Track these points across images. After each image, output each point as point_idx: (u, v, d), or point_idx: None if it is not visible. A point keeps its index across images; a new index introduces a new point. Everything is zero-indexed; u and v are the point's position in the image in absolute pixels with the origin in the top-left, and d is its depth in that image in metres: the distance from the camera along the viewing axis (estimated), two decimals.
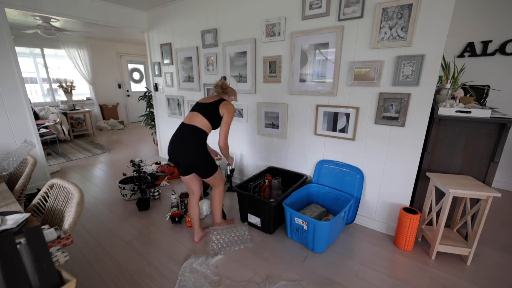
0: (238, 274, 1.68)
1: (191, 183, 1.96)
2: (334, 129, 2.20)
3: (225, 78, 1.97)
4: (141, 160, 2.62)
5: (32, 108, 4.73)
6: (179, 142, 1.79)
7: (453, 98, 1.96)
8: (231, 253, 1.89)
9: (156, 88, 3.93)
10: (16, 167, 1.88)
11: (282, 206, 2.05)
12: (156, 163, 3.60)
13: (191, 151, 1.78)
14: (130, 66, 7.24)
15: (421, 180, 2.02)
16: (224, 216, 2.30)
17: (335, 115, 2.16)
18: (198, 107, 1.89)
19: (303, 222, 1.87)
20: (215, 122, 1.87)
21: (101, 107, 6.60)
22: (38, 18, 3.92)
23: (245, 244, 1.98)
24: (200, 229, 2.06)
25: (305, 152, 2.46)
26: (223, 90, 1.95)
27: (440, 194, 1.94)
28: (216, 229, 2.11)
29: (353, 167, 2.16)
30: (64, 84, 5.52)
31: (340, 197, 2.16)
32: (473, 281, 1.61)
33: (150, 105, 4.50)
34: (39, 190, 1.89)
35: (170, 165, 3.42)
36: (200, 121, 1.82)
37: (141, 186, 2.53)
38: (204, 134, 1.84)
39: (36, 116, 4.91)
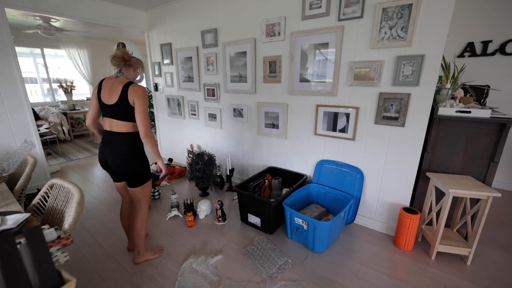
0: (238, 274, 1.68)
1: (122, 189, 1.74)
2: (334, 129, 2.20)
3: (123, 45, 1.53)
4: None
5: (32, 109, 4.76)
6: (108, 151, 1.54)
7: (453, 98, 1.96)
8: (231, 253, 1.88)
9: (156, 88, 3.93)
10: (17, 168, 1.88)
11: (282, 206, 2.05)
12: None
13: (122, 156, 1.52)
14: None
15: (421, 180, 2.02)
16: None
17: (335, 115, 2.16)
18: (105, 110, 1.51)
19: (303, 222, 1.87)
20: (132, 115, 1.49)
21: None
22: (38, 18, 3.92)
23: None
24: (144, 249, 1.76)
25: (305, 152, 2.46)
26: (126, 63, 1.52)
27: (440, 194, 1.94)
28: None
29: (353, 167, 2.16)
30: (64, 84, 5.52)
31: (340, 197, 2.16)
32: (473, 281, 1.61)
33: (150, 105, 4.50)
34: (39, 190, 1.89)
35: (170, 165, 3.42)
36: (120, 126, 1.50)
37: None
38: (135, 135, 1.53)
39: (37, 117, 4.91)
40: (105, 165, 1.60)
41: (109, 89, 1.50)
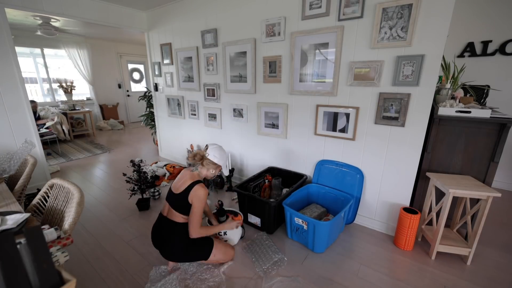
0: (238, 274, 1.68)
1: None
2: (334, 129, 2.20)
3: (206, 146, 1.70)
4: (141, 160, 2.62)
5: (36, 112, 4.76)
6: (160, 236, 1.64)
7: (453, 98, 1.96)
8: None
9: (156, 88, 3.93)
10: (17, 168, 1.88)
11: (282, 206, 2.05)
12: (156, 163, 3.60)
13: (172, 249, 1.61)
14: (130, 66, 7.24)
15: (421, 180, 2.02)
16: None
17: (335, 115, 2.16)
18: (170, 197, 1.66)
19: (303, 222, 1.87)
20: (183, 206, 1.61)
21: (101, 107, 6.60)
22: (38, 18, 3.93)
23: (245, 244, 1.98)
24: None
25: (305, 152, 2.46)
26: (197, 161, 1.66)
27: (440, 194, 1.94)
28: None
29: (353, 167, 2.16)
30: (64, 84, 5.52)
31: (340, 197, 2.16)
32: (473, 281, 1.61)
33: (150, 105, 4.50)
34: (39, 190, 1.89)
35: (174, 167, 3.42)
36: (176, 216, 1.61)
37: (141, 186, 2.53)
38: (186, 226, 1.62)
39: (39, 117, 4.91)
40: (156, 246, 1.69)
41: (181, 179, 1.65)
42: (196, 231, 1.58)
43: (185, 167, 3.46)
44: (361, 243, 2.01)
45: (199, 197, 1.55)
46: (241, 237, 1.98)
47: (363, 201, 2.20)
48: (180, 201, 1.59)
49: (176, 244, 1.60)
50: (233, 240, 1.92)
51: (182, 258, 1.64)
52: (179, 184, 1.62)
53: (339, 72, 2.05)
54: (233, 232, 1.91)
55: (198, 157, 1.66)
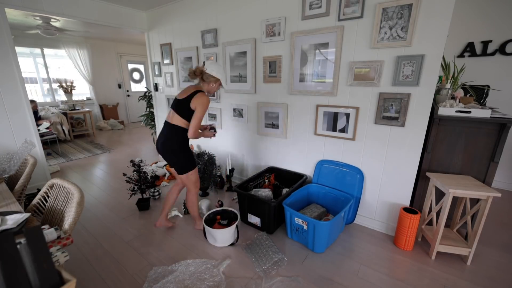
0: (239, 274, 1.68)
1: (175, 173, 2.03)
2: (334, 129, 2.20)
3: (204, 62, 1.85)
4: (141, 160, 2.62)
5: (37, 112, 4.76)
6: (162, 138, 1.88)
7: (453, 98, 1.96)
8: (229, 252, 1.89)
9: (156, 88, 3.93)
10: (17, 169, 1.88)
11: (282, 206, 2.05)
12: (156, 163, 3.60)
13: (169, 145, 1.85)
14: (130, 66, 7.24)
15: (421, 180, 2.02)
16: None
17: (335, 115, 2.16)
18: (174, 103, 1.87)
19: (303, 222, 1.88)
20: (187, 112, 1.80)
21: (101, 107, 6.60)
22: (38, 18, 3.92)
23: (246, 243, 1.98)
24: (166, 218, 2.16)
25: (305, 152, 2.46)
26: (197, 76, 1.82)
27: (440, 194, 1.94)
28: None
29: (353, 167, 2.16)
30: (64, 84, 5.52)
31: (340, 197, 2.16)
32: (473, 281, 1.61)
33: (150, 105, 4.50)
34: (39, 190, 1.89)
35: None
36: (177, 120, 1.81)
37: (141, 186, 2.53)
38: (185, 131, 1.83)
39: (39, 117, 4.91)
40: (158, 148, 1.92)
41: (185, 89, 1.86)
42: (194, 132, 1.78)
43: None
44: (361, 243, 2.01)
45: (202, 103, 1.75)
46: (232, 244, 1.97)
47: (363, 201, 2.20)
48: (183, 106, 1.79)
49: (174, 143, 1.84)
50: (221, 241, 1.95)
51: (172, 158, 1.88)
52: (184, 92, 1.84)
53: (339, 72, 2.05)
54: (222, 237, 1.91)
55: (197, 72, 1.81)
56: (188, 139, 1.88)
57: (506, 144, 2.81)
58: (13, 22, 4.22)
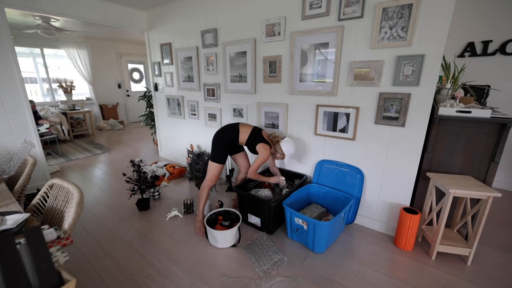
0: (239, 274, 1.68)
1: (235, 160, 2.39)
2: (334, 129, 2.19)
3: (283, 138, 2.15)
4: (141, 160, 2.62)
5: (37, 112, 4.76)
6: (225, 128, 2.19)
7: (453, 98, 1.96)
8: (229, 252, 1.88)
9: (156, 88, 3.93)
10: (17, 169, 1.87)
11: (282, 206, 2.05)
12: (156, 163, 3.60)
13: (215, 134, 2.17)
14: (130, 66, 7.24)
15: (421, 180, 2.02)
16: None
17: (335, 115, 2.16)
18: (257, 128, 2.18)
19: (303, 222, 1.87)
20: (250, 145, 2.15)
21: (101, 107, 6.60)
22: (38, 18, 3.92)
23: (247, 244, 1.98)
24: (200, 216, 2.20)
25: (305, 152, 2.46)
26: (271, 141, 2.17)
27: (440, 194, 1.94)
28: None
29: (353, 167, 2.16)
30: (64, 84, 5.52)
31: (340, 197, 2.16)
32: (474, 281, 1.61)
33: (150, 105, 4.50)
34: (39, 190, 1.89)
35: (174, 167, 3.42)
36: (244, 131, 2.13)
37: (141, 186, 2.53)
38: (234, 137, 2.13)
39: (39, 117, 4.90)
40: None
41: (260, 131, 2.20)
42: (253, 174, 2.11)
43: (185, 167, 3.47)
44: (361, 243, 2.01)
45: (262, 154, 2.05)
46: (234, 245, 1.96)
47: (363, 201, 2.20)
48: (255, 135, 2.13)
49: (225, 132, 2.16)
50: (223, 242, 1.94)
51: (213, 140, 2.18)
52: (264, 133, 2.19)
53: (339, 72, 2.05)
54: (224, 238, 1.90)
55: (275, 139, 2.16)
56: (231, 140, 2.15)
57: (507, 144, 2.81)
58: (13, 22, 4.22)
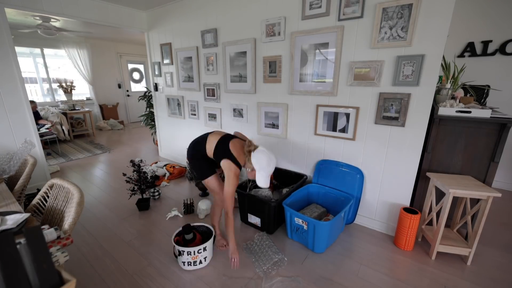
0: (239, 274, 1.68)
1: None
2: (334, 129, 2.19)
3: (255, 148, 1.67)
4: (141, 160, 2.62)
5: (38, 112, 4.76)
6: (196, 143, 1.86)
7: (453, 98, 1.96)
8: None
9: (156, 88, 3.93)
10: (17, 169, 1.87)
11: (282, 206, 2.05)
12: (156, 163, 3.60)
13: (187, 154, 1.88)
14: (130, 66, 7.24)
15: (421, 180, 2.02)
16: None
17: (335, 115, 2.16)
18: (226, 137, 1.76)
19: (303, 222, 1.87)
20: (216, 157, 1.73)
21: (101, 107, 6.60)
22: (38, 18, 3.92)
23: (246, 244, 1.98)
24: (223, 238, 1.97)
25: (305, 152, 2.46)
26: (245, 150, 1.68)
27: (440, 194, 1.94)
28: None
29: (353, 167, 2.16)
30: (64, 84, 5.52)
31: (340, 197, 2.16)
32: (474, 281, 1.61)
33: (150, 105, 4.50)
34: (39, 190, 1.89)
35: (174, 167, 3.42)
36: (211, 142, 1.76)
37: (141, 186, 2.53)
38: (203, 147, 1.79)
39: (39, 116, 4.90)
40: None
41: (237, 142, 1.75)
42: (229, 204, 1.66)
43: (185, 167, 3.47)
44: (361, 243, 2.01)
45: (227, 175, 1.65)
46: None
47: (363, 201, 2.20)
48: (224, 146, 1.71)
49: (199, 156, 1.81)
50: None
51: (194, 164, 1.86)
52: (235, 143, 1.73)
53: (339, 72, 2.05)
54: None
55: (246, 149, 1.67)
56: (206, 155, 1.81)
57: (506, 144, 2.80)
58: (13, 22, 4.22)
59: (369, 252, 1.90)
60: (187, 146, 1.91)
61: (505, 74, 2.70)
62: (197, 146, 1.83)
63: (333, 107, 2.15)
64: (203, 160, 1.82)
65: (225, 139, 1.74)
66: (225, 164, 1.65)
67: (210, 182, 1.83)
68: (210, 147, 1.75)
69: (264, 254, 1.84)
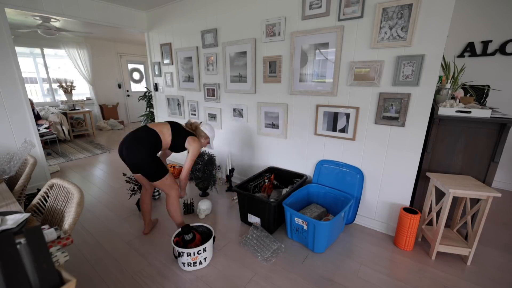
0: (239, 274, 1.68)
1: (141, 180, 1.96)
2: (334, 129, 2.19)
3: (201, 122, 2.10)
4: None
5: (34, 109, 4.75)
6: (129, 142, 1.74)
7: (453, 98, 1.96)
8: (230, 253, 1.89)
9: (156, 88, 3.93)
10: (17, 169, 1.87)
11: (282, 206, 2.05)
12: None
13: (138, 154, 1.72)
14: (130, 66, 7.24)
15: (421, 180, 2.02)
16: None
17: (335, 115, 2.16)
18: (173, 122, 1.94)
19: (303, 222, 1.87)
20: (177, 145, 1.90)
21: (101, 107, 6.60)
22: (38, 18, 3.92)
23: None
24: (150, 223, 2.14)
25: (305, 152, 2.46)
26: (193, 130, 2.03)
27: (440, 194, 1.94)
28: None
29: (353, 167, 2.16)
30: (64, 84, 5.52)
31: (340, 197, 2.16)
32: (474, 281, 1.61)
33: (150, 105, 4.51)
34: (39, 190, 1.89)
35: (174, 167, 3.42)
36: (165, 132, 1.85)
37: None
38: (159, 144, 1.82)
39: (39, 116, 4.90)
40: (121, 156, 1.83)
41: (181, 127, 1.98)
42: (186, 175, 1.89)
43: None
44: (361, 243, 2.01)
45: (193, 147, 1.86)
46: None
47: (363, 201, 2.20)
48: (181, 131, 1.91)
49: (143, 149, 1.74)
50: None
51: (140, 163, 1.75)
52: (183, 125, 2.01)
53: (339, 72, 2.05)
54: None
55: (193, 125, 2.05)
56: (157, 151, 1.84)
57: (506, 144, 2.81)
58: (13, 22, 4.22)
59: (369, 252, 1.90)
60: (120, 148, 1.79)
61: (505, 74, 2.70)
62: (152, 143, 1.77)
63: (333, 107, 2.15)
64: (157, 158, 1.83)
65: (174, 125, 1.93)
66: (191, 140, 1.88)
67: (170, 178, 1.86)
68: (167, 138, 1.85)
69: (262, 244, 1.88)
